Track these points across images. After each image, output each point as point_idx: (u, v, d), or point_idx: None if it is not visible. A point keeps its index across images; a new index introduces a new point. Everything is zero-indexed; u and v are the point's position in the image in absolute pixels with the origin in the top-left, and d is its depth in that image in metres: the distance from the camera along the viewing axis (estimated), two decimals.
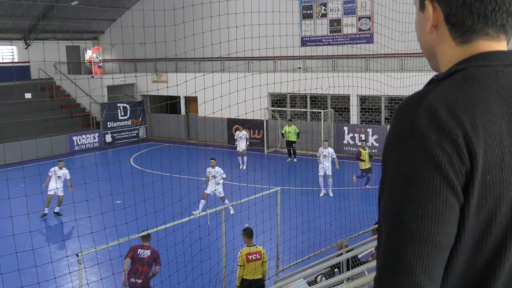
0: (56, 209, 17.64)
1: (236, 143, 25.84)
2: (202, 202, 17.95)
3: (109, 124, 32.56)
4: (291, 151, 26.64)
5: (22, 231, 11.18)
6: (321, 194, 20.56)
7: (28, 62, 35.64)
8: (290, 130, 26.22)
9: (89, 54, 37.98)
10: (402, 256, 1.27)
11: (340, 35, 29.37)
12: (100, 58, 37.33)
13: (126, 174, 20.54)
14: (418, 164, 1.25)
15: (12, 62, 35.50)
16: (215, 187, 18.01)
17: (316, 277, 9.91)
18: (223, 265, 10.44)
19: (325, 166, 20.77)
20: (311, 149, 27.21)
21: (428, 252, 1.26)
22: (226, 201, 17.46)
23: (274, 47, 24.44)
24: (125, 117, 33.34)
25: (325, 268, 9.73)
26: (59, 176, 17.56)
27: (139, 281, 10.26)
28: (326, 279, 9.24)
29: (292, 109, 29.85)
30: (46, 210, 17.25)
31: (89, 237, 11.65)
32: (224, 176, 18.23)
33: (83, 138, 31.45)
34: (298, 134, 26.34)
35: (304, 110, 29.37)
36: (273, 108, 30.01)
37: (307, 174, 22.07)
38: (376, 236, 10.35)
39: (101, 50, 37.86)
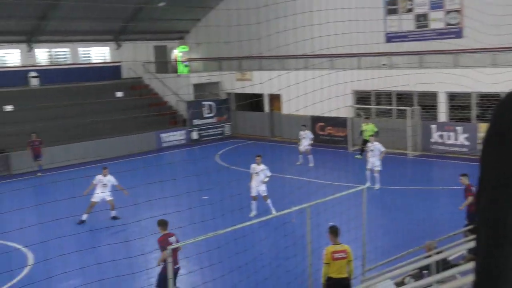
0: (113, 213, 17.42)
1: (299, 142, 25.75)
2: (253, 203, 17.50)
3: (195, 122, 33.16)
4: (363, 149, 26.13)
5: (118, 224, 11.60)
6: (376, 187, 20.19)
7: (120, 62, 36.96)
8: (367, 128, 25.66)
9: (175, 53, 38.83)
10: (504, 262, 1.20)
11: (427, 30, 28.52)
12: (187, 57, 38.07)
13: (212, 170, 20.90)
14: None
15: (104, 62, 36.85)
16: (259, 186, 17.48)
17: (404, 278, 9.68)
18: (308, 263, 10.39)
19: (372, 161, 20.60)
20: (396, 146, 26.60)
21: None
22: (269, 200, 17.31)
23: (358, 43, 24.15)
24: (211, 115, 33.85)
25: (413, 270, 9.49)
26: (104, 184, 17.52)
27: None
28: (415, 281, 9.02)
29: (377, 107, 29.24)
30: (84, 217, 17.02)
31: (178, 231, 11.92)
32: (269, 174, 17.66)
33: (171, 135, 32.18)
34: (376, 133, 25.64)
35: (389, 107, 28.72)
36: (358, 106, 29.54)
37: (393, 173, 21.65)
38: (468, 238, 10.01)
39: (188, 49, 38.52)
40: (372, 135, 23.89)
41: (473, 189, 12.04)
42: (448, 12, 27.55)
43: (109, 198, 17.39)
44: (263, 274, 11.64)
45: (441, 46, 26.79)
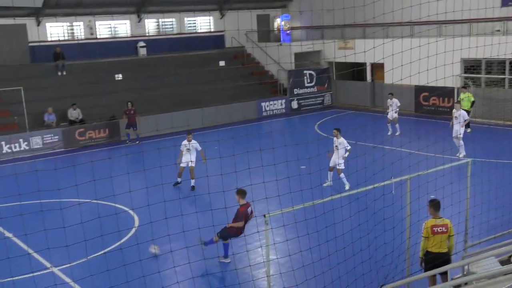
0: (192, 182, 18.05)
1: (387, 110, 25.37)
2: (330, 174, 17.71)
3: (296, 91, 33.13)
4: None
5: (217, 190, 11.86)
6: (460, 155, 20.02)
7: (223, 31, 37.42)
8: (464, 98, 24.48)
9: (278, 22, 38.73)
10: None
11: None
12: (289, 25, 37.88)
13: (311, 140, 20.83)
14: None
15: (208, 32, 37.45)
16: (338, 158, 17.37)
17: (510, 256, 9.26)
18: (406, 236, 10.19)
19: (456, 128, 20.59)
20: (509, 119, 25.33)
21: None
22: (342, 174, 17.20)
23: (470, 8, 22.89)
24: (311, 84, 33.67)
25: None
26: (188, 149, 17.87)
27: None
28: None
29: (488, 76, 27.82)
30: (179, 179, 18.14)
31: (276, 199, 12.04)
32: (349, 147, 17.37)
33: (271, 104, 32.38)
34: (473, 103, 24.48)
35: (502, 76, 27.23)
36: (466, 75, 28.26)
37: (502, 146, 20.64)
38: None
39: (290, 18, 38.32)
40: (459, 102, 23.34)
41: None
42: None
43: (191, 165, 17.82)
44: (360, 245, 11.56)
45: None
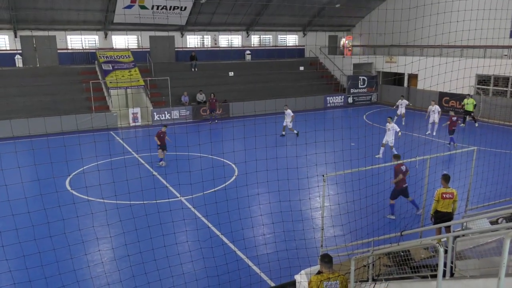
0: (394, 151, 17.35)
1: (396, 107, 24.45)
2: (382, 149, 17.19)
3: (352, 90, 32.34)
4: (466, 118, 23.53)
5: (284, 155, 11.90)
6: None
7: (304, 45, 36.96)
8: (468, 102, 23.24)
9: (343, 41, 37.75)
10: None
11: None
12: (351, 44, 36.85)
13: (360, 126, 20.36)
14: None
15: (294, 46, 37.11)
16: (391, 138, 16.91)
17: (498, 219, 8.76)
18: (423, 198, 9.87)
19: (434, 118, 21.05)
20: (508, 120, 23.67)
21: None
22: (394, 149, 16.70)
23: (486, 37, 21.38)
24: (363, 86, 32.73)
25: (507, 214, 8.54)
26: (389, 129, 17.01)
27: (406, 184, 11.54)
28: (507, 222, 8.13)
29: (495, 88, 25.99)
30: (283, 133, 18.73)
31: (332, 165, 11.97)
32: (398, 129, 16.85)
33: (334, 99, 31.79)
34: (475, 106, 23.15)
35: (505, 89, 25.37)
36: (478, 86, 26.53)
37: (501, 140, 19.34)
38: None
39: (352, 38, 37.29)
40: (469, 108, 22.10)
41: None
42: None
43: (391, 144, 17.05)
44: (389, 201, 11.34)
45: None
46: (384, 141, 17.26)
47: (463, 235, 6.87)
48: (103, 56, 27.10)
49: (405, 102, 24.15)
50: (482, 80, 26.62)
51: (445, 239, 6.59)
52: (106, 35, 29.21)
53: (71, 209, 10.54)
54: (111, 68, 26.43)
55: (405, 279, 6.79)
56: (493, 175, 12.08)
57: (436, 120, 21.35)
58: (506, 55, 25.58)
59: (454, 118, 19.04)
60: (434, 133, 21.33)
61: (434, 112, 21.53)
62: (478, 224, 7.89)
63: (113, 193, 9.77)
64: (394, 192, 11.55)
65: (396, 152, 16.56)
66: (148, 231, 8.87)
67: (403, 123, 23.58)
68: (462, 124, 23.30)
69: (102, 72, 26.60)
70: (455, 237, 6.55)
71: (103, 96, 26.13)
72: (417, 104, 29.57)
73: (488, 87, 26.19)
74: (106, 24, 28.30)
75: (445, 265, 5.87)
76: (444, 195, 9.16)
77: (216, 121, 25.78)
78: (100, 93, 26.09)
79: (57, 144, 16.07)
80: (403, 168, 11.47)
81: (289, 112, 21.07)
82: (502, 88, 25.75)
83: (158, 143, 15.80)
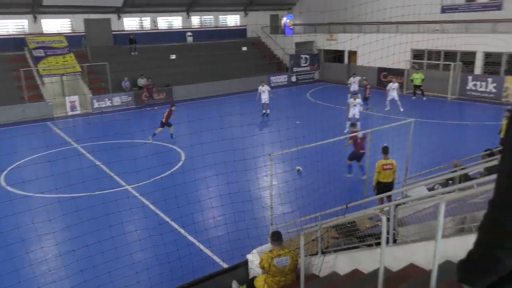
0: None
1: (349, 85, 24.22)
2: (348, 123, 17.50)
3: (295, 69, 32.69)
4: (415, 92, 24.65)
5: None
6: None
7: (246, 25, 36.74)
8: (417, 77, 24.22)
9: (284, 20, 37.91)
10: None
11: (474, 4, 25.70)
12: (292, 22, 37.06)
13: (304, 103, 20.69)
14: None
15: (236, 26, 36.79)
16: (355, 112, 17.49)
17: (434, 185, 9.30)
18: (366, 171, 10.25)
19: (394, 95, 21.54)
20: (440, 92, 25.00)
21: None
22: (358, 123, 17.21)
23: (419, 13, 22.25)
24: (306, 64, 33.17)
25: (442, 180, 9.09)
26: (355, 105, 17.50)
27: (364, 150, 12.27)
28: (442, 188, 8.65)
29: (428, 61, 27.29)
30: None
31: (278, 144, 12.10)
32: (362, 103, 17.98)
33: (277, 78, 32.00)
34: (423, 80, 24.13)
35: (438, 62, 26.71)
36: (413, 61, 27.72)
37: (436, 111, 20.40)
38: (484, 160, 9.36)
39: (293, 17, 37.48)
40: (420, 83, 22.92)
41: None
42: None
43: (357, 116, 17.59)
44: (334, 175, 11.66)
45: (484, 16, 24.28)
46: (350, 116, 17.53)
47: (404, 203, 7.22)
48: (34, 42, 25.48)
49: (357, 78, 23.96)
50: (417, 55, 27.82)
51: (387, 208, 6.90)
52: (35, 18, 27.43)
53: (8, 207, 9.94)
54: (43, 54, 24.93)
55: (352, 249, 7.06)
56: (428, 144, 12.74)
57: (396, 97, 21.47)
58: (437, 29, 26.82)
59: (369, 86, 21.55)
60: (402, 109, 20.95)
61: (394, 89, 21.62)
62: (416, 191, 8.32)
63: (54, 186, 9.32)
64: (352, 154, 12.77)
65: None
66: (94, 223, 8.57)
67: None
68: (413, 97, 24.31)
69: (33, 59, 25.03)
70: (396, 205, 6.87)
71: (36, 84, 24.66)
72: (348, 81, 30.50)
73: (422, 61, 27.42)
74: (35, 7, 26.54)
75: (388, 233, 6.15)
76: (385, 166, 9.57)
77: (156, 107, 24.59)
78: (33, 82, 24.61)
79: None
80: (360, 135, 12.32)
81: (266, 87, 20.74)
82: (435, 62, 27.07)
83: (164, 120, 16.37)
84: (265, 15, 36.90)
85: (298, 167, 12.56)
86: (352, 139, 12.58)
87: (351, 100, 17.71)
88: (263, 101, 20.47)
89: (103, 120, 19.41)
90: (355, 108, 17.56)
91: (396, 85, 21.94)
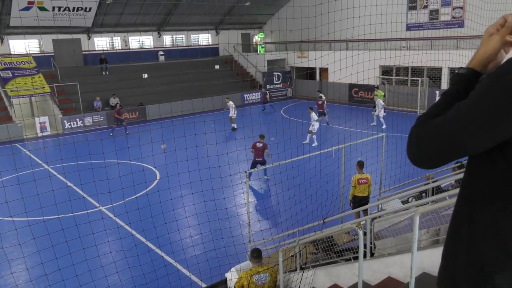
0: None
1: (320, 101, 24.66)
2: (314, 137, 18.37)
3: (268, 86, 33.01)
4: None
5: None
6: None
7: (218, 44, 36.97)
8: (377, 94, 25.15)
9: (256, 38, 38.39)
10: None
11: (437, 22, 26.78)
12: (263, 41, 37.56)
13: (277, 120, 20.87)
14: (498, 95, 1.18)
15: (208, 45, 36.99)
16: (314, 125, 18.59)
17: (408, 198, 9.49)
18: (341, 186, 10.38)
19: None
20: (409, 106, 25.71)
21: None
22: (315, 136, 18.43)
23: (386, 31, 23.03)
24: (278, 82, 33.57)
25: (415, 193, 9.29)
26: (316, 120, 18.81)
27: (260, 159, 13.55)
28: (416, 200, 8.83)
29: (397, 77, 28.11)
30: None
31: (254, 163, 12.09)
32: (315, 118, 18.77)
33: (251, 95, 32.22)
34: (384, 95, 25.00)
35: (406, 78, 27.55)
36: (382, 77, 28.49)
37: (406, 125, 20.89)
38: (455, 172, 9.64)
39: (264, 35, 37.99)
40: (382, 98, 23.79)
41: None
42: (454, 8, 25.70)
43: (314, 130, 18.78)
44: (310, 191, 11.74)
45: (447, 33, 25.28)
46: (314, 130, 18.47)
47: (379, 217, 7.33)
48: (1, 63, 24.88)
49: (323, 96, 24.68)
50: (386, 71, 28.64)
51: (363, 222, 6.98)
52: (2, 39, 26.84)
53: None
54: (11, 75, 24.34)
55: (331, 264, 7.09)
56: (401, 158, 13.00)
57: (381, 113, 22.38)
58: (404, 46, 27.74)
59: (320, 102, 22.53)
60: (384, 126, 21.56)
61: (378, 105, 22.34)
62: (391, 204, 8.46)
63: (23, 209, 9.02)
64: (252, 163, 13.80)
65: (314, 140, 18.19)
66: (66, 246, 8.31)
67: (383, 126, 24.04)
68: (373, 112, 24.93)
69: (0, 80, 24.41)
70: (373, 219, 6.97)
71: (4, 106, 24.00)
72: (329, 97, 31.04)
73: (391, 77, 28.22)
74: (1, 28, 25.99)
75: (365, 246, 6.22)
76: (360, 181, 9.71)
77: (127, 132, 22.85)
78: (1, 103, 23.94)
79: None
80: (259, 145, 13.62)
81: (231, 103, 21.97)
82: (403, 78, 27.90)
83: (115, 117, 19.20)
84: (236, 33, 37.30)
85: (163, 145, 13.47)
86: (253, 147, 13.76)
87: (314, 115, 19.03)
88: (230, 115, 21.84)
89: (74, 141, 19.01)
90: (316, 124, 18.67)
91: (322, 95, 23.84)
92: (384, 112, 23.06)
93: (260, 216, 10.59)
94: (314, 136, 18.39)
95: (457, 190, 6.45)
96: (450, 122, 1.25)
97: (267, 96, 28.96)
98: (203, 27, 35.67)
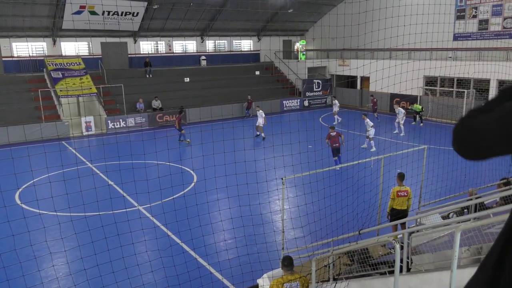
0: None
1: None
2: (372, 142, 18.73)
3: (307, 94, 32.88)
4: (416, 116, 24.92)
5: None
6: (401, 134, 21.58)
7: (259, 50, 37.23)
8: (415, 107, 24.93)
9: (297, 45, 38.37)
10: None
11: (486, 32, 25.81)
12: (304, 48, 37.49)
13: (316, 128, 20.73)
14: None
15: (249, 51, 37.30)
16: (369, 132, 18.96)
17: (449, 214, 9.16)
18: (379, 197, 10.16)
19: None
20: (453, 119, 24.86)
21: None
22: (372, 142, 18.83)
23: (432, 40, 22.43)
24: (318, 89, 33.36)
25: (457, 208, 8.95)
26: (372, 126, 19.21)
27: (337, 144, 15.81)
28: (457, 216, 8.51)
29: (441, 88, 27.28)
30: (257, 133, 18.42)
31: (291, 168, 12.11)
32: (371, 124, 18.89)
33: (290, 102, 32.20)
34: (422, 109, 24.84)
35: (451, 89, 26.68)
36: (426, 87, 27.73)
37: (444, 139, 20.24)
38: (500, 189, 9.22)
39: (306, 42, 37.93)
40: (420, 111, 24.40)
41: None
42: (506, 18, 24.70)
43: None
44: (347, 201, 11.55)
45: (497, 44, 24.29)
46: (371, 135, 18.89)
47: (418, 231, 7.11)
48: (52, 64, 26.10)
49: (337, 102, 26.60)
50: (430, 81, 27.86)
51: (401, 235, 6.80)
52: (54, 41, 28.16)
53: (22, 224, 10.01)
54: (61, 75, 25.49)
55: (365, 276, 6.94)
56: (442, 171, 12.60)
57: (336, 110, 24.86)
58: (450, 57, 26.91)
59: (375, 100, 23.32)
60: (402, 134, 21.98)
61: (336, 105, 24.93)
62: (431, 219, 8.19)
63: (67, 205, 9.38)
64: (331, 151, 15.84)
65: (373, 145, 18.76)
66: (105, 243, 8.57)
67: (336, 122, 24.97)
68: (413, 123, 24.36)
69: (51, 80, 25.59)
70: (410, 233, 6.77)
71: (53, 105, 25.13)
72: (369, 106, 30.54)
73: (435, 88, 27.42)
74: (54, 30, 27.29)
75: (401, 261, 6.05)
76: (399, 193, 9.47)
77: (187, 140, 21.47)
78: (50, 102, 25.09)
79: (4, 157, 15.26)
80: (333, 133, 15.79)
81: (261, 113, 21.88)
82: (448, 89, 27.04)
83: (177, 127, 20.79)
84: (277, 40, 37.43)
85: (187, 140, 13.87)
86: (328, 137, 15.61)
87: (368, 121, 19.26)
88: (257, 124, 21.92)
89: (117, 141, 19.64)
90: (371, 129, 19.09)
91: (336, 101, 25.63)
92: (402, 119, 22.80)
93: (294, 224, 10.53)
94: (372, 142, 18.43)
95: (501, 208, 6.16)
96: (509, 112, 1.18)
97: (376, 102, 26.80)
98: (245, 33, 36.05)
